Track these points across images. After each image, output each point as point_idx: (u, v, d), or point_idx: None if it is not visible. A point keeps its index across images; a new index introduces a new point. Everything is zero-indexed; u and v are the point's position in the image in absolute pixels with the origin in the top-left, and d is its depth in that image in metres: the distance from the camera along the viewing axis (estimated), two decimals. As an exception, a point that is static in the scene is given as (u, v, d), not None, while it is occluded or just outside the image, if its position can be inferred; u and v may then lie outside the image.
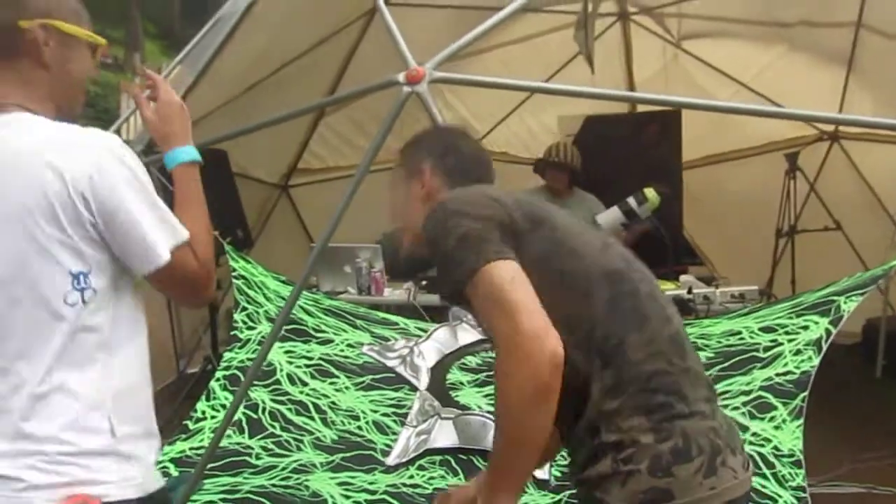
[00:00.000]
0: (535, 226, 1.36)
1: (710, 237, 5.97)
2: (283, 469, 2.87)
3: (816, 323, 2.84)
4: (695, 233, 5.78)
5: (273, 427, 3.04)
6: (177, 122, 1.51)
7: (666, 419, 1.25)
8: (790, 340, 2.84)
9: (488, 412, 2.97)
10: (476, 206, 1.36)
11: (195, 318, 5.14)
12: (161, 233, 1.31)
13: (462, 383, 3.21)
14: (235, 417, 3.12)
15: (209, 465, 2.56)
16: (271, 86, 4.70)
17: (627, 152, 5.17)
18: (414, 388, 3.16)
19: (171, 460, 2.93)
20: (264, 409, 3.08)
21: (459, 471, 2.80)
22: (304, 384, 3.21)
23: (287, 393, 3.16)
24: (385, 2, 5.05)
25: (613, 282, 1.33)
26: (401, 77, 2.43)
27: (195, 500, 2.58)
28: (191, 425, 3.10)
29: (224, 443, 2.99)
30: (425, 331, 3.45)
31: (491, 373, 3.25)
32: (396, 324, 3.54)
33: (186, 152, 1.48)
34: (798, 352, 2.78)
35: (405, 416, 3.05)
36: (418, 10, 5.01)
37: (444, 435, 2.89)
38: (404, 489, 2.76)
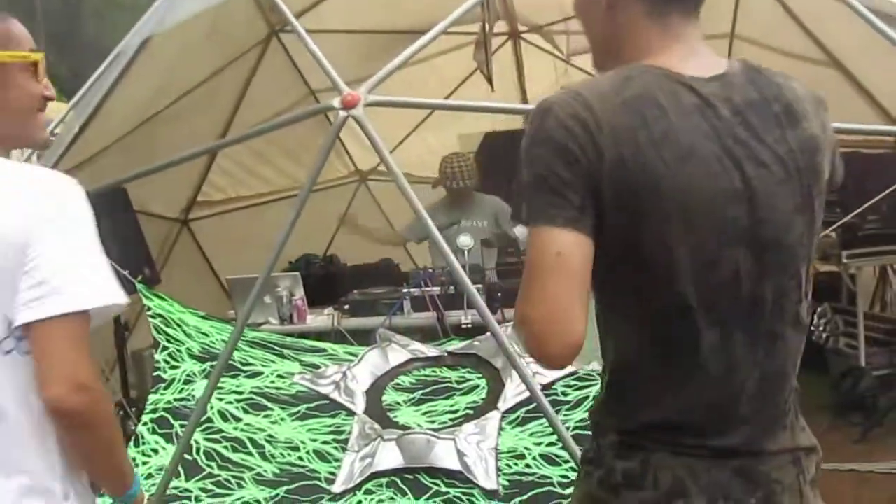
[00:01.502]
0: None
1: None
2: None
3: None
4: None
5: (210, 466, 2.95)
6: None
7: None
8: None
9: (429, 430, 2.99)
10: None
11: (99, 359, 4.91)
12: (84, 283, 1.20)
13: (399, 403, 3.21)
14: (167, 462, 3.01)
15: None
16: (168, 118, 4.59)
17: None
18: (351, 413, 3.14)
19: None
20: (199, 450, 2.98)
21: (407, 491, 2.80)
22: (238, 419, 3.13)
23: (220, 430, 3.08)
24: (279, 30, 5.09)
25: None
26: (336, 102, 2.43)
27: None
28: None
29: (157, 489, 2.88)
30: (355, 355, 3.44)
31: (426, 390, 3.29)
32: (325, 350, 3.51)
33: None
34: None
35: (346, 441, 3.02)
36: (313, 36, 5.02)
37: (388, 456, 2.88)
38: (353, 515, 2.74)
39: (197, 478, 2.92)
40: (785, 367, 1.22)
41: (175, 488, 2.84)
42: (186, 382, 3.27)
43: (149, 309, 3.48)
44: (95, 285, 1.22)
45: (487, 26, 4.50)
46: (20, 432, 1.21)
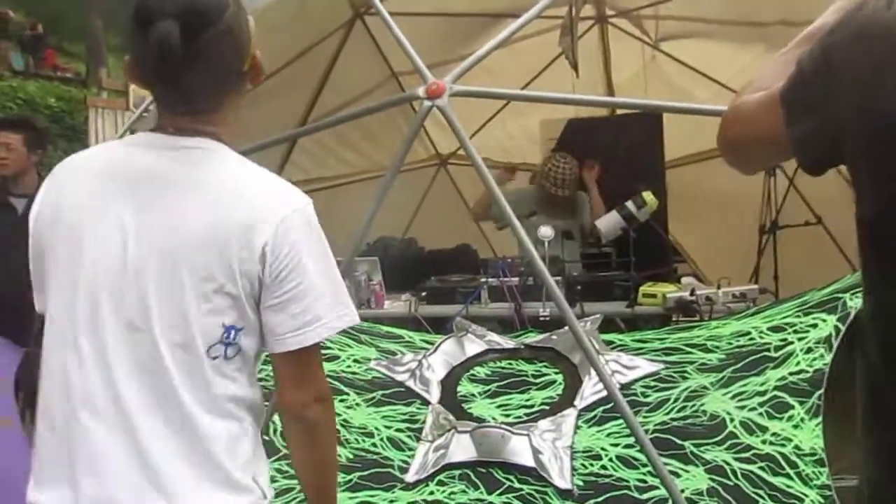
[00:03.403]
0: None
1: (692, 236, 6.03)
2: (301, 491, 2.82)
3: (824, 320, 2.88)
4: (676, 231, 5.84)
5: (286, 448, 2.98)
6: None
7: None
8: (800, 339, 2.88)
9: (503, 423, 2.95)
10: None
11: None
12: (329, 311, 1.27)
13: (473, 395, 3.19)
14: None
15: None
16: (254, 98, 4.62)
17: (610, 154, 5.21)
18: (426, 402, 3.13)
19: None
20: (276, 430, 3.02)
21: (480, 484, 2.77)
22: (314, 403, 3.16)
23: (297, 413, 3.11)
24: (364, 12, 5.09)
25: None
26: (421, 91, 2.40)
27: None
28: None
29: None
30: (431, 343, 3.43)
31: (502, 383, 3.25)
32: (402, 337, 3.50)
33: None
34: (809, 350, 2.82)
35: (420, 430, 3.02)
36: (395, 18, 5.01)
37: (462, 448, 2.86)
38: (425, 506, 2.73)
39: (275, 458, 2.96)
40: None
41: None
42: (265, 363, 3.31)
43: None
44: (347, 307, 1.30)
45: (574, 10, 4.38)
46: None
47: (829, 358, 2.73)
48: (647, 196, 3.60)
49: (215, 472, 1.25)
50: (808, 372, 2.74)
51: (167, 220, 1.22)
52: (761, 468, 2.55)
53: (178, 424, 1.23)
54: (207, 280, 1.20)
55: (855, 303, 2.86)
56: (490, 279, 3.73)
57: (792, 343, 2.86)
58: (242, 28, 1.29)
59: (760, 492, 2.49)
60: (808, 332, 2.87)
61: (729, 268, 5.01)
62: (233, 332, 1.23)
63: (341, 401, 3.19)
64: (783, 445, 2.59)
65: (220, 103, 1.31)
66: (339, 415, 3.13)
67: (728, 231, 5.60)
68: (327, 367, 3.31)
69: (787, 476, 2.50)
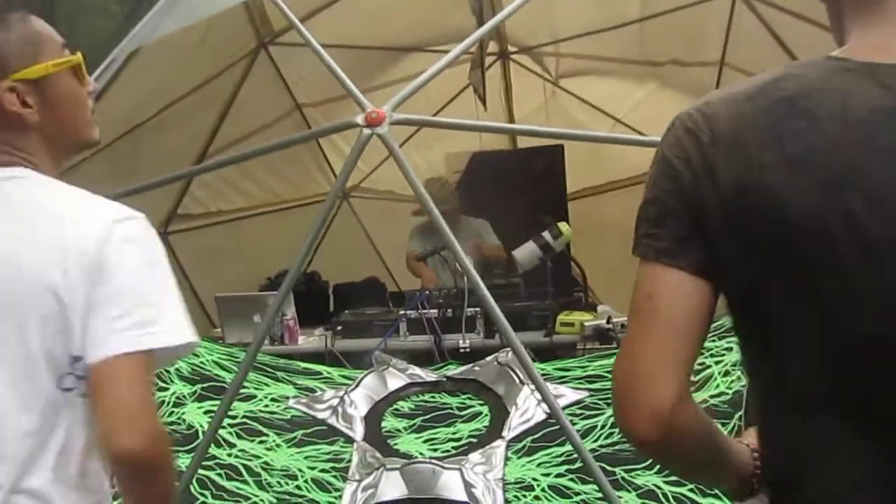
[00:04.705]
0: None
1: (590, 265, 6.19)
2: None
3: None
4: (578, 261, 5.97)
5: (203, 496, 2.81)
6: None
7: None
8: (717, 363, 2.98)
9: (432, 458, 2.90)
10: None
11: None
12: (163, 319, 1.12)
13: (399, 430, 3.11)
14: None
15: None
16: (154, 127, 4.46)
17: (515, 186, 5.29)
18: (350, 440, 3.03)
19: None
20: (191, 477, 2.85)
21: (411, 522, 2.70)
22: (232, 445, 3.00)
23: (214, 457, 2.94)
24: (268, 42, 5.00)
25: None
26: (360, 119, 2.35)
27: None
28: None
29: None
30: (351, 379, 3.33)
31: (427, 416, 3.20)
32: (320, 373, 3.39)
33: None
34: (727, 373, 2.92)
35: (346, 470, 2.91)
36: (303, 50, 4.95)
37: (392, 486, 2.78)
38: (356, 548, 2.63)
39: None
40: None
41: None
42: (176, 405, 3.13)
43: (135, 327, 3.33)
44: (179, 322, 1.13)
45: (483, 46, 4.46)
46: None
47: (745, 380, 2.82)
48: (563, 226, 3.67)
49: None
50: (727, 394, 2.83)
51: None
52: (691, 490, 2.60)
53: None
54: (42, 310, 1.11)
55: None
56: (409, 311, 3.68)
57: (710, 367, 2.96)
58: None
59: (691, 514, 2.54)
60: (724, 355, 2.97)
61: (627, 297, 5.17)
62: (82, 363, 1.12)
63: (260, 442, 3.05)
64: (710, 467, 2.65)
65: (9, 130, 1.19)
66: (259, 457, 2.99)
67: (627, 260, 5.77)
68: (243, 406, 3.18)
69: (716, 496, 2.56)
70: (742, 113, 0.89)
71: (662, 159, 0.94)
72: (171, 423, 3.07)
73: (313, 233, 2.39)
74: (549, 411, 3.01)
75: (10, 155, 1.19)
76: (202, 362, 3.31)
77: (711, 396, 2.84)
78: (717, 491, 2.60)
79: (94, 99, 1.29)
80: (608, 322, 3.50)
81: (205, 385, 3.22)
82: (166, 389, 3.18)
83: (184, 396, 3.16)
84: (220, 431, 3.04)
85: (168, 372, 3.24)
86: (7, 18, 1.18)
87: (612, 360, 3.20)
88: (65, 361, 1.10)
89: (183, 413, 3.10)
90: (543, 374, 3.25)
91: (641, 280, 0.94)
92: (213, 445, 2.98)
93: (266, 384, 3.28)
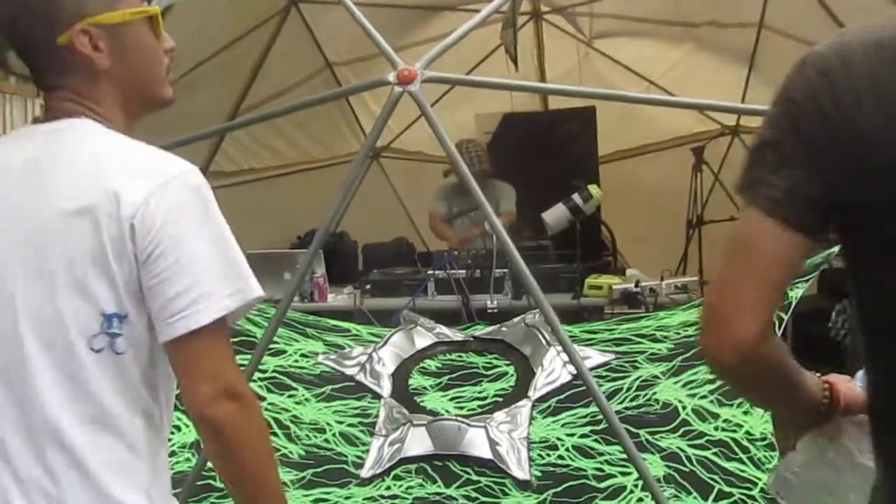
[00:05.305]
0: None
1: (620, 229, 6.16)
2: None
3: (767, 310, 2.97)
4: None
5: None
6: None
7: None
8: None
9: (459, 416, 2.93)
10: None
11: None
12: (220, 287, 1.08)
13: (425, 388, 3.15)
14: (191, 439, 2.95)
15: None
16: (186, 86, 4.48)
17: (545, 148, 5.26)
18: (377, 396, 3.08)
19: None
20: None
21: (437, 478, 2.74)
22: (262, 399, 3.06)
23: (245, 409, 3.01)
24: (299, 0, 4.98)
25: None
26: (391, 77, 2.34)
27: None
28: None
29: (183, 467, 2.82)
30: (379, 336, 3.37)
31: (453, 375, 3.23)
32: (348, 330, 3.44)
33: None
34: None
35: (372, 425, 2.96)
36: (334, 9, 4.93)
37: (418, 442, 2.83)
38: (382, 501, 2.69)
39: None
40: None
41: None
42: None
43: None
44: (243, 281, 1.11)
45: (516, 4, 4.40)
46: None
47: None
48: (593, 189, 3.65)
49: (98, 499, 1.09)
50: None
51: (30, 206, 1.11)
52: (715, 454, 2.62)
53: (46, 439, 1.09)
54: (77, 263, 1.08)
55: (795, 293, 2.96)
56: (437, 271, 3.71)
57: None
58: (47, 7, 1.15)
59: (715, 477, 2.55)
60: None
61: (656, 261, 5.14)
62: (115, 321, 1.09)
63: (290, 396, 3.11)
64: (735, 431, 2.66)
65: (68, 80, 1.17)
66: (289, 410, 3.05)
67: (656, 225, 5.75)
68: (273, 361, 3.23)
69: (741, 461, 2.57)
70: (887, 60, 0.86)
71: (787, 99, 0.91)
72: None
73: (342, 192, 2.40)
74: (574, 372, 3.04)
75: (77, 104, 1.16)
76: (233, 317, 3.36)
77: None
78: (741, 455, 2.62)
79: (170, 57, 1.26)
80: (636, 286, 3.50)
81: (236, 340, 3.26)
82: (199, 343, 3.24)
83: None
84: (251, 385, 3.10)
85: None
86: None
87: (639, 324, 3.23)
88: (95, 320, 1.09)
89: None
90: (570, 337, 3.26)
91: (744, 222, 0.94)
92: (244, 398, 3.05)
93: (296, 340, 3.33)
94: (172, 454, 2.84)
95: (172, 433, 2.95)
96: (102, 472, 1.09)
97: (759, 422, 2.66)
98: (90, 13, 1.16)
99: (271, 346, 3.27)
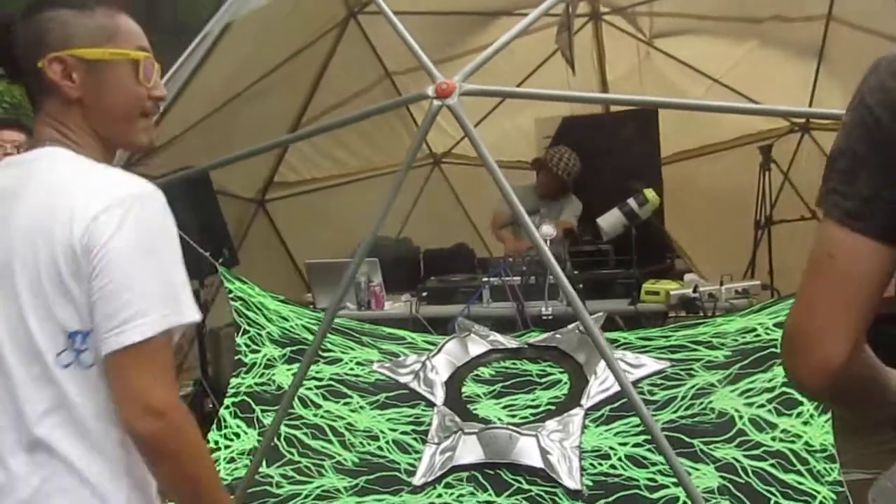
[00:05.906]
0: None
1: (685, 231, 6.03)
2: (307, 497, 2.80)
3: (830, 316, 2.87)
4: (671, 228, 5.83)
5: (291, 453, 2.96)
6: None
7: None
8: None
9: (510, 424, 2.93)
10: None
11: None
12: (155, 306, 1.12)
13: (478, 396, 3.16)
14: (249, 447, 3.04)
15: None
16: (248, 100, 4.61)
17: (606, 152, 5.19)
18: (431, 404, 3.11)
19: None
20: (280, 436, 2.99)
21: (488, 486, 2.76)
22: (318, 406, 3.13)
23: (301, 417, 3.08)
24: (357, 11, 5.06)
25: None
26: (430, 91, 2.37)
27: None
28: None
29: (240, 474, 2.91)
30: (434, 344, 3.40)
31: (506, 383, 3.23)
32: (403, 338, 3.48)
33: None
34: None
35: (425, 433, 2.99)
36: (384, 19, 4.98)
37: (469, 450, 2.84)
38: (434, 509, 2.71)
39: (278, 464, 2.94)
40: None
41: (257, 474, 2.86)
42: (267, 367, 3.28)
43: (230, 292, 3.50)
44: (177, 305, 1.14)
45: (571, 7, 4.37)
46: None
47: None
48: (649, 193, 3.59)
49: None
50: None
51: (2, 232, 1.18)
52: (772, 465, 2.55)
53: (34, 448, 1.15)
54: (38, 284, 1.14)
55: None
56: (492, 278, 3.71)
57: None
58: (38, 31, 1.22)
59: (772, 489, 2.49)
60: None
61: (723, 263, 5.01)
62: (78, 338, 1.13)
63: (345, 404, 3.17)
64: (793, 442, 2.58)
65: (46, 104, 1.23)
66: (344, 418, 3.11)
67: (722, 226, 5.60)
68: (329, 370, 3.30)
69: (799, 473, 2.49)
70: None
71: (861, 105, 0.89)
72: (262, 384, 3.22)
73: (388, 200, 2.44)
74: (631, 380, 2.99)
75: (54, 129, 1.23)
76: (292, 326, 3.45)
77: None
78: (800, 467, 2.54)
79: (159, 106, 1.30)
80: (694, 291, 3.42)
81: (293, 348, 3.35)
82: (258, 352, 3.34)
83: (274, 359, 3.31)
84: (307, 392, 3.18)
85: (260, 335, 3.40)
86: (96, 9, 1.24)
87: (695, 331, 3.16)
88: (60, 337, 1.14)
89: (273, 374, 3.25)
90: (625, 344, 3.23)
91: (823, 237, 0.91)
92: (300, 406, 3.12)
93: (351, 348, 3.39)
94: (231, 460, 2.93)
95: (231, 440, 3.05)
96: (84, 482, 1.14)
97: (819, 432, 2.58)
98: (75, 45, 1.22)
99: (327, 354, 3.34)
